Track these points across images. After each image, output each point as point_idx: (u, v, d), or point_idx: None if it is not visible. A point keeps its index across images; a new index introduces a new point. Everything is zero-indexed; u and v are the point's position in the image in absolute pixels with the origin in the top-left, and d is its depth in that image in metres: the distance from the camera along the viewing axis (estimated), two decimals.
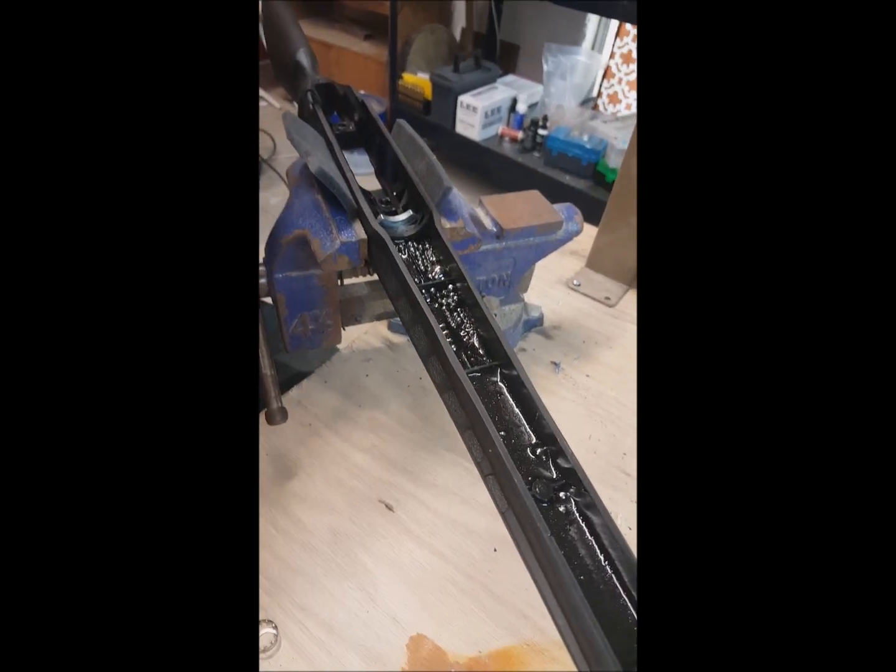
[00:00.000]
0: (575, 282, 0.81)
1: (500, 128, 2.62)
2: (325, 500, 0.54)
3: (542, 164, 2.45)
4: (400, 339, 0.71)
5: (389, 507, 0.54)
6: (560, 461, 0.32)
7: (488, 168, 2.64)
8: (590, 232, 0.80)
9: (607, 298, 0.79)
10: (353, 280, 0.56)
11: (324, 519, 0.53)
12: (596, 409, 0.65)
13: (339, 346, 0.69)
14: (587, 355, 0.71)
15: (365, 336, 0.71)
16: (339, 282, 0.54)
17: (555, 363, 0.69)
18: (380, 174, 0.54)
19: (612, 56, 2.52)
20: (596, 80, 2.61)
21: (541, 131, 2.47)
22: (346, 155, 0.55)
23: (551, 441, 0.32)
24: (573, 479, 0.31)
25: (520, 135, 2.55)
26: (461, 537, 0.52)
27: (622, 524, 0.54)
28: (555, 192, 2.31)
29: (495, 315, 0.59)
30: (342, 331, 0.58)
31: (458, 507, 0.54)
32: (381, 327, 0.72)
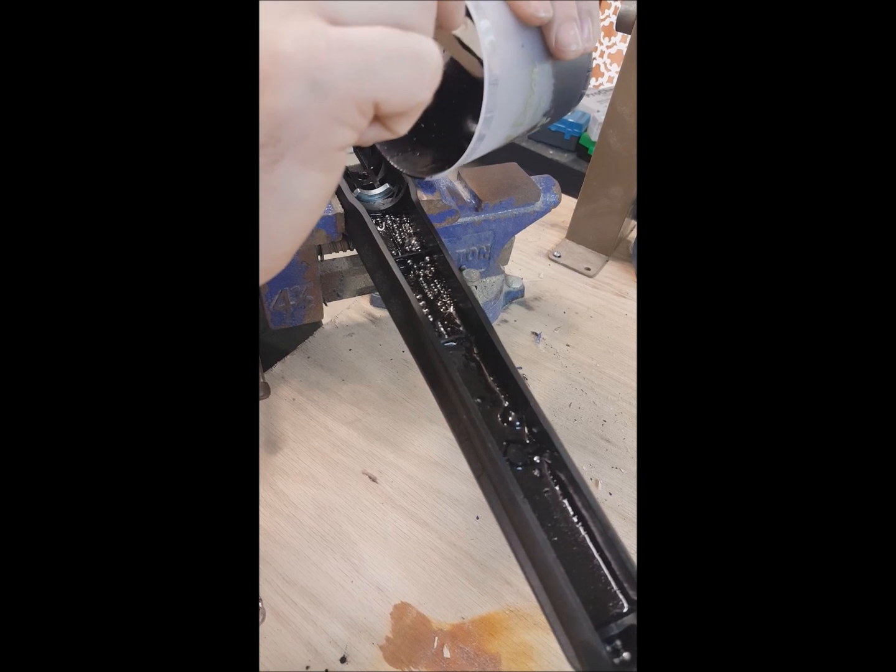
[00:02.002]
0: (555, 253, 0.81)
1: None
2: (310, 473, 0.55)
3: (525, 139, 2.43)
4: (382, 313, 0.71)
5: (373, 479, 0.55)
6: (535, 427, 0.33)
7: None
8: (570, 204, 0.81)
9: (587, 269, 0.79)
10: (334, 255, 0.56)
11: (308, 492, 0.53)
12: (576, 378, 0.65)
13: (322, 322, 0.69)
14: (568, 325, 0.72)
15: (347, 311, 0.71)
16: (318, 257, 0.54)
17: (536, 334, 0.70)
18: (357, 148, 0.54)
19: None
20: None
21: None
22: None
23: (525, 407, 0.33)
24: (547, 442, 0.31)
25: None
26: (444, 506, 0.53)
27: (602, 489, 0.55)
28: (538, 166, 2.31)
29: (475, 287, 0.60)
30: (324, 306, 0.58)
31: (441, 477, 0.55)
32: (364, 302, 0.72)
